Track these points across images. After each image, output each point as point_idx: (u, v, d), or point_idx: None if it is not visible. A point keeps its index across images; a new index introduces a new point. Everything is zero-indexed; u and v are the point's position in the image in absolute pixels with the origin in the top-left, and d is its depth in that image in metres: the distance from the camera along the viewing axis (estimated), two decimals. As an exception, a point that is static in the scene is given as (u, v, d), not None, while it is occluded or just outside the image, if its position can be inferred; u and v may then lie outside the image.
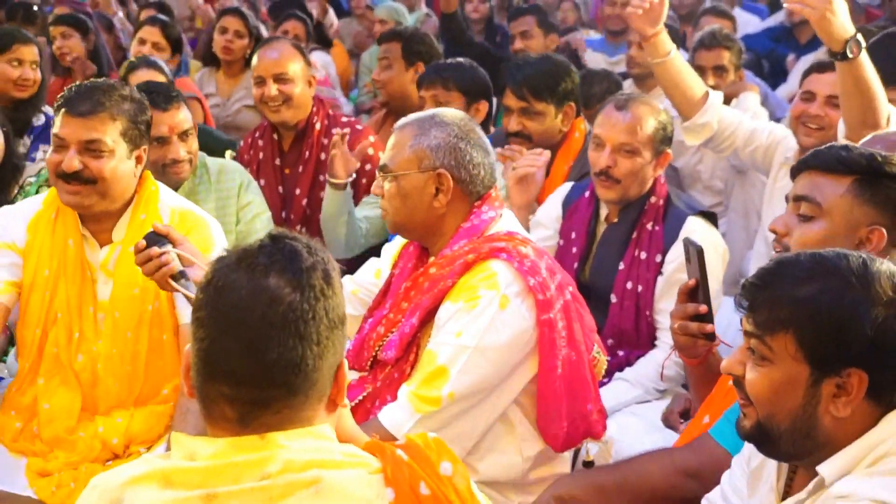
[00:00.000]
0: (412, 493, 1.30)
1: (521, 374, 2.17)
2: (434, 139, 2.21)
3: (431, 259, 2.25)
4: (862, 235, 1.92)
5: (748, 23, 7.13)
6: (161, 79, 3.65)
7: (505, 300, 2.10)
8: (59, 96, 2.39)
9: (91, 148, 2.31)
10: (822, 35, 2.64)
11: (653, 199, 2.91)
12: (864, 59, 2.64)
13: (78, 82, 2.43)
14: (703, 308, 2.00)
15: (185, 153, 3.01)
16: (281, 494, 1.25)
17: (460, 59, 3.75)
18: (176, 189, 2.82)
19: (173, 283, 2.16)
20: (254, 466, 1.26)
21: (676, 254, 2.81)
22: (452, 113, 2.31)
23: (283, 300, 1.26)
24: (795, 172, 2.03)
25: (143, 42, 4.59)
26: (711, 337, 2.02)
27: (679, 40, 5.03)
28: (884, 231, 1.91)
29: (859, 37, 2.63)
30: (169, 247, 2.19)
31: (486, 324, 2.09)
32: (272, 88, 3.46)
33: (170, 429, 2.40)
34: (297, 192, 3.58)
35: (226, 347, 1.27)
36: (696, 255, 2.01)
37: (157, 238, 2.19)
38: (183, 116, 3.01)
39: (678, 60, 3.13)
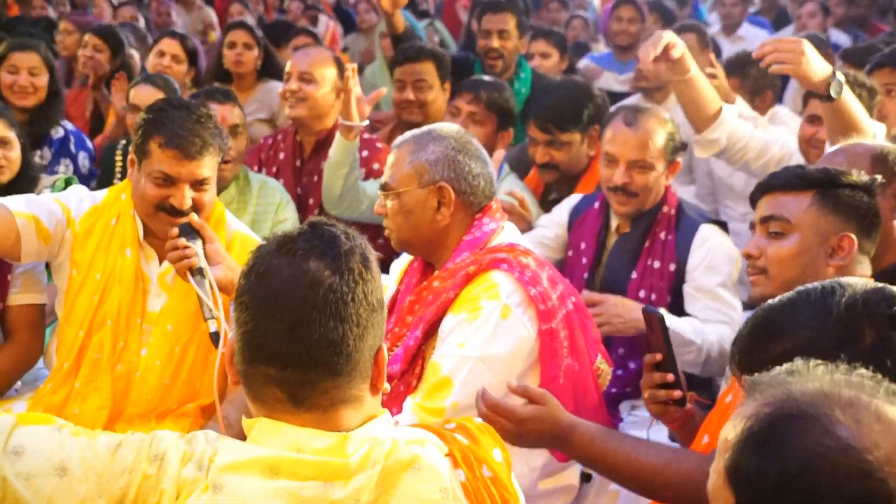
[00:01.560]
0: (478, 474, 1.37)
1: (524, 384, 2.19)
2: (432, 153, 2.24)
3: (436, 273, 2.27)
4: (833, 244, 1.98)
5: (756, 37, 7.16)
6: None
7: (506, 310, 2.13)
8: (149, 123, 2.37)
9: (199, 184, 2.36)
10: (804, 83, 2.72)
11: (665, 209, 2.93)
12: (847, 95, 2.70)
13: (155, 105, 2.42)
14: (669, 377, 2.03)
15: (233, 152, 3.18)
16: (393, 474, 1.30)
17: (499, 81, 3.74)
18: (221, 191, 2.89)
19: (189, 277, 2.23)
20: (365, 458, 1.30)
21: (696, 262, 2.85)
22: (448, 126, 2.35)
23: (324, 282, 1.29)
24: (756, 197, 2.09)
25: (162, 54, 4.61)
26: (681, 402, 2.05)
27: None
28: (853, 237, 1.97)
29: (839, 75, 2.69)
30: (199, 242, 2.26)
31: (489, 334, 2.11)
32: (293, 84, 3.54)
33: None
34: (311, 201, 3.61)
35: (269, 330, 1.30)
36: (658, 323, 2.02)
37: (189, 230, 2.27)
38: (236, 113, 3.24)
39: (699, 78, 3.13)
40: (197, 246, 2.25)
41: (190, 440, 1.33)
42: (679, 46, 2.91)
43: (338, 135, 3.28)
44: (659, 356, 2.04)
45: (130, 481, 1.30)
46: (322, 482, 1.28)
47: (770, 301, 1.52)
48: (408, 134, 2.33)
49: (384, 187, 2.28)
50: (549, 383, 2.17)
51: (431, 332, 2.20)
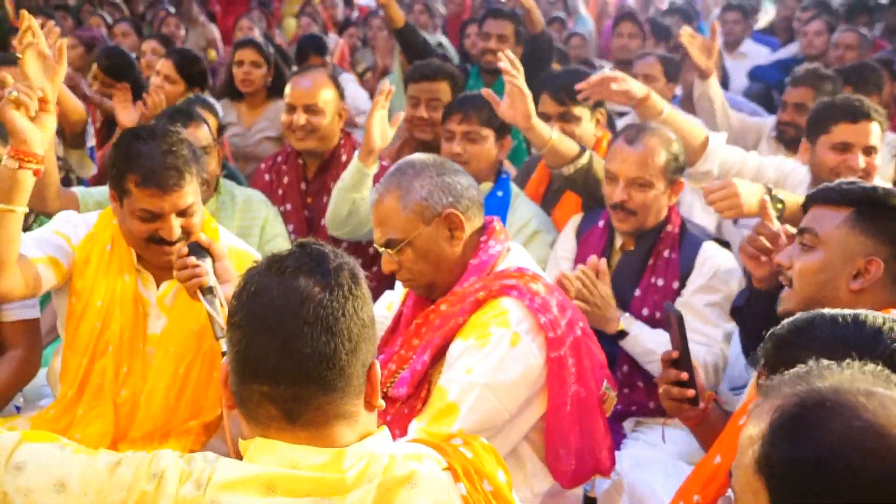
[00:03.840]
0: (478, 488, 1.39)
1: (531, 411, 2.18)
2: (421, 188, 2.20)
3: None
4: (859, 266, 1.95)
5: (759, 54, 7.17)
6: (211, 118, 3.62)
7: (516, 338, 2.12)
8: (121, 160, 2.35)
9: (185, 211, 2.36)
10: (752, 216, 2.74)
11: (669, 228, 2.94)
12: (787, 196, 2.73)
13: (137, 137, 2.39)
14: (684, 375, 2.05)
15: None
16: (389, 490, 1.31)
17: (478, 94, 3.78)
18: None
19: (199, 296, 2.22)
20: (362, 474, 1.31)
21: (694, 279, 2.85)
22: (417, 157, 2.30)
23: (314, 298, 1.32)
24: (805, 208, 2.09)
25: (157, 74, 4.64)
26: (694, 401, 2.06)
27: (676, 75, 5.00)
28: (881, 262, 1.93)
29: (770, 188, 2.73)
30: (208, 260, 2.25)
31: (497, 361, 2.10)
32: (301, 118, 3.48)
33: None
34: (323, 223, 3.52)
35: (262, 347, 1.32)
36: (676, 321, 2.03)
37: (198, 249, 2.27)
38: (202, 134, 3.15)
39: (673, 116, 3.16)
40: (206, 264, 2.25)
41: (189, 460, 1.34)
42: (628, 83, 3.08)
43: (355, 159, 3.22)
44: (675, 353, 2.06)
45: (128, 498, 1.32)
46: (318, 498, 1.29)
47: (823, 311, 1.52)
48: (379, 187, 2.25)
49: (389, 245, 2.21)
50: (556, 410, 2.16)
51: (439, 356, 2.19)
